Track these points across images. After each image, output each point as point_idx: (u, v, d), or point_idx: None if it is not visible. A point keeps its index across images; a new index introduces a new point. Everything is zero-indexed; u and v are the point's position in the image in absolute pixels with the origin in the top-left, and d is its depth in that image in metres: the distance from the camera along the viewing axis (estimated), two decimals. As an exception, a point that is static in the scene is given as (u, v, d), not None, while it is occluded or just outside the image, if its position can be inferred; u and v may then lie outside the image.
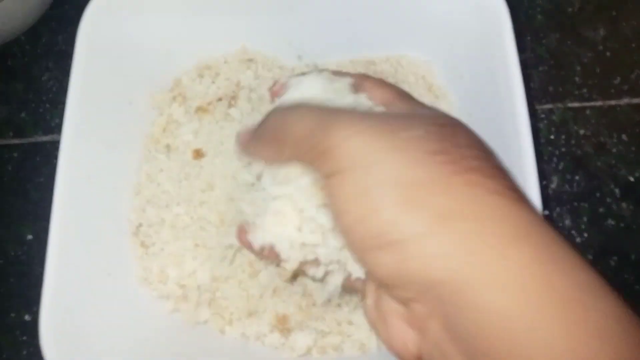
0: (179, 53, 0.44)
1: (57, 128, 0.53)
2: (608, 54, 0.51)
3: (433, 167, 0.22)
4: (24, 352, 0.47)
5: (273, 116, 0.27)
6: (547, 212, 0.47)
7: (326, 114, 0.24)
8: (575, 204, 0.48)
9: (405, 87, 0.42)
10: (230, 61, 0.46)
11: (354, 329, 0.38)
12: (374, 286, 0.26)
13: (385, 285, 0.24)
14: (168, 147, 0.43)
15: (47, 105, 0.54)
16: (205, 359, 0.39)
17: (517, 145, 0.35)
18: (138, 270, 0.40)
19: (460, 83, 0.41)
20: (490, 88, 0.37)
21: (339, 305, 0.39)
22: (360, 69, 0.44)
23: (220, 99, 0.44)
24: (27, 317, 0.48)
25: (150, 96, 0.44)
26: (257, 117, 0.43)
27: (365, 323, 0.38)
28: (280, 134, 0.26)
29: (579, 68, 0.51)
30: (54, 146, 0.52)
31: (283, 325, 0.39)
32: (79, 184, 0.38)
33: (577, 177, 0.48)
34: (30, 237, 0.50)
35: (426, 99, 0.42)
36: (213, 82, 0.45)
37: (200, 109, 0.43)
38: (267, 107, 0.43)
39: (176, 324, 0.40)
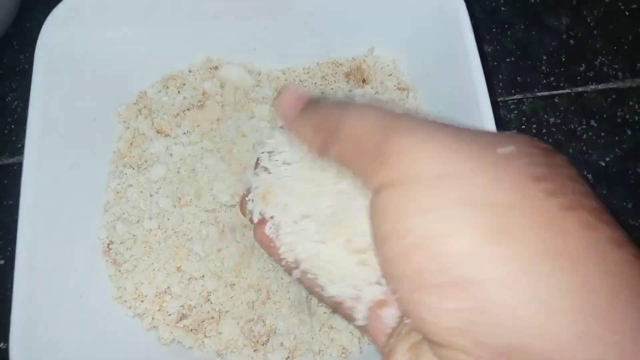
0: (142, 66, 0.43)
1: (24, 149, 0.51)
2: (572, 42, 0.52)
3: (537, 195, 0.17)
4: None
5: (332, 103, 0.22)
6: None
7: (395, 116, 0.20)
8: None
9: (374, 86, 0.43)
10: (194, 70, 0.45)
11: (335, 332, 0.38)
12: (408, 343, 0.20)
13: (436, 343, 0.18)
14: (136, 161, 0.42)
15: (13, 127, 0.53)
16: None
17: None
18: (112, 289, 0.40)
19: (427, 80, 0.42)
20: (455, 83, 0.37)
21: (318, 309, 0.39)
22: (328, 71, 0.44)
23: (187, 109, 0.43)
24: (2, 345, 0.46)
25: (115, 111, 0.43)
26: (229, 127, 0.43)
27: (346, 327, 0.38)
28: (333, 125, 0.21)
29: (545, 57, 0.51)
30: (21, 167, 0.51)
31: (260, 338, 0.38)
32: (45, 206, 0.37)
33: None
34: (1, 262, 0.49)
35: (395, 95, 0.42)
36: (179, 93, 0.45)
37: (160, 131, 0.43)
38: (235, 116, 0.43)
39: (152, 342, 0.39)
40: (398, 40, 0.42)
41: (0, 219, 0.50)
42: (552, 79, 0.51)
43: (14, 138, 0.52)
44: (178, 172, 0.41)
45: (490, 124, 0.34)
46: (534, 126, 0.50)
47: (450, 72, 0.38)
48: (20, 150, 0.52)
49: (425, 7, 0.40)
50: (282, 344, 0.38)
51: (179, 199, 0.40)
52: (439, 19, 0.38)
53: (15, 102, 0.53)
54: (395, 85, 0.43)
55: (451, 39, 0.38)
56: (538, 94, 0.51)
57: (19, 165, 0.51)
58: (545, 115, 0.50)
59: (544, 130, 0.50)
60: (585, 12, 0.52)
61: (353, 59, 0.44)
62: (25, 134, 0.51)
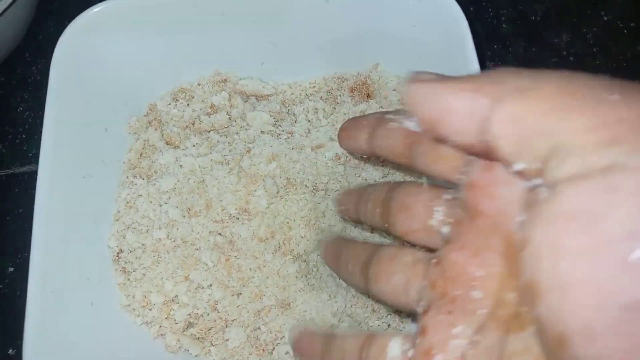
0: (153, 78, 0.45)
1: (35, 159, 0.53)
2: (572, 58, 0.53)
3: None
4: None
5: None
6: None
7: None
8: None
9: (378, 101, 0.44)
10: (203, 84, 0.46)
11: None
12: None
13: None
14: (146, 172, 0.43)
15: (24, 136, 0.54)
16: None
17: None
18: (121, 297, 0.40)
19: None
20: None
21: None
22: (333, 86, 0.45)
23: (193, 124, 0.44)
24: (11, 352, 0.47)
25: (126, 123, 0.44)
26: (237, 140, 0.44)
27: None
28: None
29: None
30: (32, 177, 0.52)
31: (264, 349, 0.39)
32: (57, 215, 0.38)
33: None
34: (11, 269, 0.50)
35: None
36: (188, 105, 0.46)
37: (170, 143, 0.44)
38: (245, 132, 0.44)
39: (159, 350, 0.40)
40: (402, 56, 0.43)
41: (10, 227, 0.51)
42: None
43: (25, 147, 0.54)
44: (187, 183, 0.42)
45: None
46: (534, 140, 0.51)
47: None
48: (30, 160, 0.53)
49: (429, 24, 0.41)
50: (287, 352, 0.38)
51: (188, 209, 0.41)
52: (442, 35, 0.39)
53: (27, 113, 0.55)
54: (399, 100, 0.44)
55: (454, 55, 0.39)
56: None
57: (30, 174, 0.53)
58: None
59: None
60: (585, 30, 0.53)
61: (358, 74, 0.45)
62: (36, 144, 0.52)
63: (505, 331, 0.18)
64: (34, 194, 0.51)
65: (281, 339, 0.39)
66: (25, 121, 0.54)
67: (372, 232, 0.41)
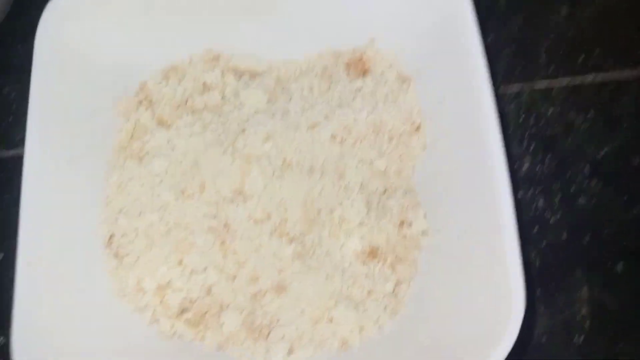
0: (142, 57, 0.43)
1: (21, 142, 0.49)
2: (571, 33, 0.52)
3: None
4: None
5: None
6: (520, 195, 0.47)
7: None
8: (548, 184, 0.48)
9: (374, 77, 0.43)
10: (195, 61, 0.45)
11: (335, 325, 0.38)
12: None
13: None
14: (137, 153, 0.42)
15: (10, 119, 0.52)
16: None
17: (485, 131, 0.35)
18: (113, 283, 0.40)
19: (428, 71, 0.42)
20: (456, 75, 0.38)
21: None
22: (328, 62, 0.44)
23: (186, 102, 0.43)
24: (1, 339, 0.46)
25: (115, 103, 0.43)
26: (231, 120, 0.43)
27: (347, 319, 0.38)
28: None
29: (543, 48, 0.51)
30: (19, 161, 0.49)
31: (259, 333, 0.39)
32: (46, 200, 0.37)
33: (547, 158, 0.48)
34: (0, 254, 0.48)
35: (395, 87, 0.42)
36: (179, 84, 0.45)
37: (161, 123, 0.42)
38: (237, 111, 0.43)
39: (153, 335, 0.39)
40: (399, 30, 0.42)
41: None
42: (550, 70, 0.51)
43: (10, 131, 0.52)
44: (180, 164, 0.41)
45: (492, 116, 0.35)
46: (532, 117, 0.50)
47: (452, 63, 0.38)
48: (17, 144, 0.52)
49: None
50: (283, 336, 0.38)
51: (182, 191, 0.40)
52: (441, 8, 0.38)
53: (12, 95, 0.53)
54: (395, 77, 0.43)
55: (454, 28, 0.38)
56: (536, 85, 0.51)
57: (17, 158, 0.51)
58: (543, 107, 0.50)
59: (542, 122, 0.50)
60: (584, 3, 0.52)
61: (354, 50, 0.44)
62: (23, 128, 0.51)
63: None
64: (21, 179, 0.50)
65: (277, 321, 0.39)
66: (10, 104, 0.53)
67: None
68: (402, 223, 0.39)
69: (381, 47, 0.44)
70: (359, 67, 0.43)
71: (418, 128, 0.41)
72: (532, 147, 0.49)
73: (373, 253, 0.38)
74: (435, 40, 0.40)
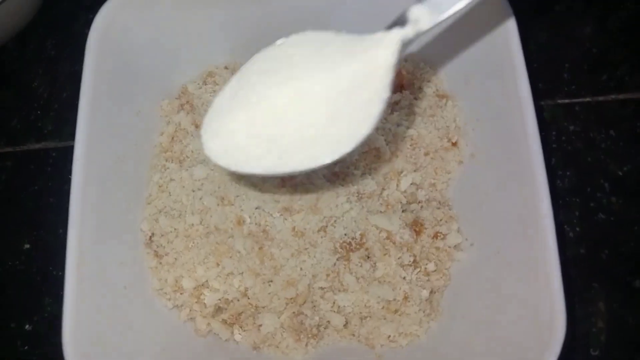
0: (184, 60, 0.44)
1: (50, 135, 0.52)
2: (595, 50, 0.53)
3: None
4: None
5: None
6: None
7: None
8: (567, 199, 0.49)
9: (412, 92, 0.43)
10: (230, 67, 0.46)
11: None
12: None
13: None
14: (178, 156, 0.42)
15: (39, 112, 0.53)
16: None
17: (526, 149, 0.36)
18: (153, 281, 0.40)
19: (466, 87, 0.42)
20: (497, 92, 0.38)
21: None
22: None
23: None
24: (28, 327, 0.47)
25: (157, 105, 0.43)
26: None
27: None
28: None
29: (567, 65, 0.52)
30: (47, 153, 0.52)
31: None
32: (92, 198, 0.38)
33: (568, 173, 0.49)
34: (27, 246, 0.49)
35: (433, 102, 0.43)
36: (214, 91, 0.45)
37: (199, 127, 0.42)
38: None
39: (189, 333, 0.40)
40: (438, 45, 0.43)
41: (26, 204, 0.50)
42: (573, 87, 0.52)
43: (39, 124, 0.53)
44: (222, 173, 0.41)
45: (534, 135, 0.35)
46: (554, 133, 0.51)
47: (493, 79, 0.39)
48: (46, 136, 0.52)
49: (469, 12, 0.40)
50: (329, 335, 0.39)
51: (222, 198, 0.40)
52: (483, 24, 0.39)
53: (41, 88, 0.53)
54: (434, 92, 0.43)
55: (495, 46, 0.39)
56: (559, 101, 0.52)
57: (45, 151, 0.52)
58: (565, 123, 0.51)
59: (564, 138, 0.51)
60: (609, 22, 0.53)
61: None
62: (51, 120, 0.52)
63: None
64: (49, 171, 0.50)
65: (325, 327, 0.39)
66: (40, 97, 0.53)
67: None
68: (436, 235, 0.40)
69: (419, 61, 0.45)
70: (396, 81, 0.43)
71: (455, 144, 0.42)
72: (552, 162, 0.50)
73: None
74: (475, 56, 0.41)
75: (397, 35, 0.28)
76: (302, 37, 0.29)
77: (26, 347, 0.46)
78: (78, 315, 0.35)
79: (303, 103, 0.28)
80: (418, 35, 0.28)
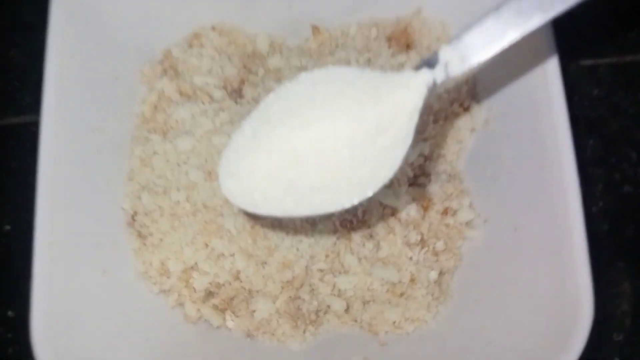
0: (166, 21, 0.40)
1: (29, 108, 0.49)
2: (622, 5, 0.49)
3: None
4: (10, 350, 0.44)
5: None
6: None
7: None
8: (589, 170, 0.46)
9: (420, 52, 0.40)
10: (218, 28, 0.42)
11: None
12: None
13: None
14: (161, 127, 0.39)
15: (17, 84, 0.50)
16: (209, 356, 0.37)
17: (548, 113, 0.33)
18: (136, 264, 0.38)
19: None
20: (516, 47, 0.35)
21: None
22: (368, 34, 0.41)
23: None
24: (10, 314, 0.45)
25: (137, 70, 0.40)
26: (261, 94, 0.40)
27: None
28: None
29: (591, 23, 0.48)
30: (27, 128, 0.49)
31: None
32: (64, 172, 0.35)
33: (590, 142, 0.46)
34: (7, 227, 0.47)
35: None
36: (202, 55, 0.41)
37: (186, 95, 0.40)
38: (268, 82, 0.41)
39: (178, 319, 0.38)
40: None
41: (5, 183, 0.48)
42: (597, 46, 0.48)
43: (18, 97, 0.49)
44: (209, 143, 0.38)
45: (558, 98, 0.33)
46: (575, 97, 0.48)
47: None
48: (25, 110, 0.49)
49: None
50: (328, 320, 0.37)
51: (209, 172, 0.38)
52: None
53: (19, 58, 0.50)
54: (443, 51, 0.40)
55: None
56: (581, 62, 0.48)
57: (24, 125, 0.49)
58: (588, 87, 0.48)
59: (586, 103, 0.47)
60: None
61: (397, 20, 0.41)
62: (31, 92, 0.49)
63: None
64: (30, 147, 0.47)
65: (324, 313, 0.38)
66: (18, 67, 0.50)
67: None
68: (445, 211, 0.37)
69: (428, 17, 0.41)
70: (402, 40, 0.40)
71: (467, 109, 0.39)
72: (573, 130, 0.47)
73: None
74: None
75: (425, 78, 0.27)
76: (324, 74, 0.29)
77: (9, 335, 0.44)
78: (49, 305, 0.32)
79: (325, 147, 0.28)
80: (447, 80, 0.27)
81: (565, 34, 0.48)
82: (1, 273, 0.45)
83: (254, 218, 0.37)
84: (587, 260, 0.30)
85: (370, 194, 0.28)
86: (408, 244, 0.37)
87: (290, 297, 0.37)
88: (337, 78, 0.28)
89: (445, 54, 0.27)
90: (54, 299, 0.33)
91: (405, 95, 0.27)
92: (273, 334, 0.37)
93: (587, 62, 0.48)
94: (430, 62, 0.27)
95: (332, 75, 0.29)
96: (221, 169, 0.30)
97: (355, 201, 0.28)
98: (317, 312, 0.37)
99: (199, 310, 0.38)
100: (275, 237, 0.37)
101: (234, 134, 0.30)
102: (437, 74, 0.27)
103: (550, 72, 0.33)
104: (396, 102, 0.27)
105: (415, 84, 0.27)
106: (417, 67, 0.27)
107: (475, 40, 0.27)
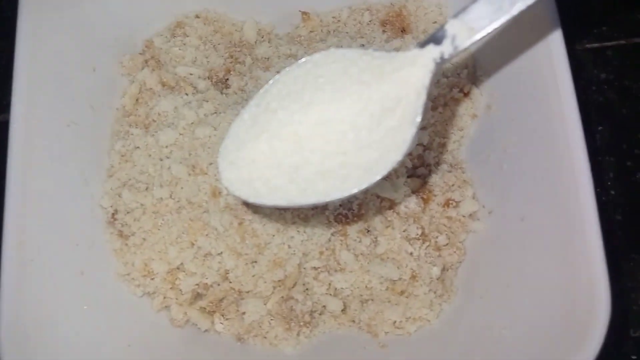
0: (147, 9, 0.39)
1: (10, 107, 0.47)
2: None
3: None
4: None
5: None
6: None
7: None
8: (599, 158, 0.44)
9: (415, 36, 0.38)
10: (202, 16, 0.40)
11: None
12: None
13: None
14: (143, 120, 0.37)
15: (-3, 81, 0.48)
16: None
17: (555, 95, 0.31)
18: (118, 265, 0.36)
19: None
20: (510, 28, 0.33)
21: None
22: (361, 19, 0.39)
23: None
24: None
25: (117, 61, 0.38)
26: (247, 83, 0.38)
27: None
28: None
29: (596, 3, 0.46)
30: (8, 127, 0.46)
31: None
32: (37, 169, 0.33)
33: (600, 128, 0.44)
34: None
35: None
36: (185, 44, 0.40)
37: (168, 87, 0.38)
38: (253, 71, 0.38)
39: (164, 323, 0.36)
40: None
41: None
42: (604, 28, 0.46)
43: None
44: (192, 135, 0.36)
45: (565, 79, 0.31)
46: (582, 82, 0.45)
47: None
48: (5, 108, 0.47)
49: None
50: (324, 322, 0.35)
51: (193, 167, 0.35)
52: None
53: None
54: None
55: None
56: (587, 45, 0.46)
57: (5, 124, 0.46)
58: (595, 70, 0.45)
59: (594, 88, 0.45)
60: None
61: (391, 4, 0.39)
62: (11, 91, 0.46)
63: None
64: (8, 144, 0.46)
65: (320, 313, 0.36)
66: None
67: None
68: (447, 203, 0.35)
69: (424, 1, 0.39)
70: (397, 24, 0.38)
71: (467, 94, 0.37)
72: (581, 116, 0.45)
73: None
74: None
75: (432, 54, 0.26)
76: (326, 56, 0.28)
77: None
78: (18, 310, 0.30)
79: (329, 130, 0.27)
80: (455, 54, 0.26)
81: (569, 16, 0.46)
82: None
83: (242, 214, 0.35)
84: (602, 251, 0.28)
85: (378, 177, 0.26)
86: (408, 239, 0.35)
87: (282, 297, 0.35)
88: (338, 59, 0.27)
89: (453, 27, 0.26)
90: (24, 303, 0.30)
91: (411, 72, 0.26)
92: (265, 337, 0.35)
93: (594, 44, 0.46)
94: (436, 38, 0.26)
95: (333, 57, 0.28)
96: (220, 158, 0.29)
97: (364, 186, 0.27)
98: (311, 313, 0.35)
99: (185, 313, 0.36)
100: (265, 234, 0.35)
101: (233, 122, 0.28)
102: (445, 49, 0.26)
103: (555, 52, 0.31)
104: (402, 81, 0.26)
105: (421, 61, 0.26)
106: (422, 44, 0.26)
107: (483, 10, 0.26)
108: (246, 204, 0.35)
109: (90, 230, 0.35)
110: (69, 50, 0.35)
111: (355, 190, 0.27)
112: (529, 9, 0.27)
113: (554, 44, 0.31)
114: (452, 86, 0.37)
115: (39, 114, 0.33)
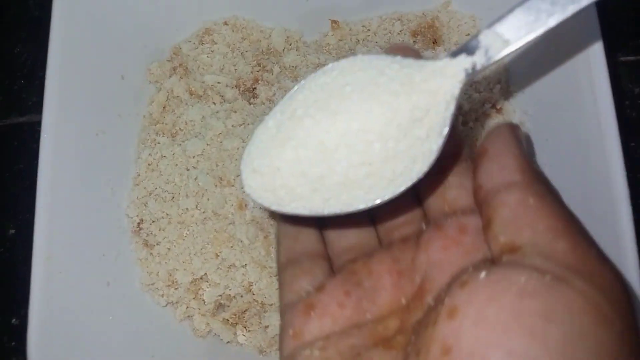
0: (176, 16, 0.38)
1: (35, 107, 0.48)
2: (665, -1, 0.46)
3: None
4: (13, 359, 0.43)
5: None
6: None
7: None
8: (631, 175, 0.42)
9: (447, 48, 0.37)
10: (231, 23, 0.40)
11: None
12: None
13: None
14: (170, 129, 0.37)
15: (22, 82, 0.48)
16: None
17: (594, 114, 0.30)
18: (142, 274, 0.36)
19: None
20: (546, 43, 0.32)
21: None
22: (391, 29, 0.38)
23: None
24: (14, 321, 0.43)
25: (145, 69, 0.38)
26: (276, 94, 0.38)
27: None
28: None
29: (632, 15, 0.45)
30: (33, 128, 0.48)
31: None
32: (66, 177, 0.33)
33: (632, 144, 0.44)
34: (12, 231, 0.45)
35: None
36: (213, 51, 0.39)
37: (196, 95, 0.37)
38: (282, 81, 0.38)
39: (186, 333, 0.36)
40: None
41: (9, 185, 0.46)
42: (639, 41, 0.45)
43: (24, 95, 0.48)
44: (220, 146, 0.36)
45: (605, 96, 0.30)
46: (615, 97, 0.44)
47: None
48: (30, 109, 0.48)
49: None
50: None
51: (220, 178, 0.35)
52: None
53: (25, 55, 0.49)
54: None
55: None
56: (622, 58, 0.45)
57: (30, 124, 0.48)
58: (629, 84, 0.44)
59: (627, 103, 0.44)
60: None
61: (423, 14, 0.38)
62: (36, 91, 0.47)
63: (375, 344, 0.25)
64: (35, 148, 0.45)
65: None
66: (24, 65, 0.49)
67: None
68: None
69: (457, 10, 0.38)
70: (428, 35, 0.37)
71: (500, 110, 0.36)
72: None
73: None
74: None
75: (464, 64, 0.25)
76: (353, 63, 0.27)
77: (13, 344, 0.43)
78: (48, 319, 0.30)
79: (356, 140, 0.26)
80: (487, 65, 0.25)
81: (603, 28, 0.45)
82: (5, 279, 0.44)
83: (268, 227, 0.35)
84: (639, 278, 0.28)
85: (403, 189, 0.26)
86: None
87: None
88: (367, 66, 0.26)
89: (487, 38, 0.25)
90: (53, 312, 0.31)
91: (441, 82, 0.25)
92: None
93: (629, 58, 0.45)
94: (469, 48, 0.25)
95: (361, 64, 0.27)
96: (243, 165, 0.28)
97: (388, 197, 0.26)
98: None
99: (208, 324, 0.36)
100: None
101: (257, 128, 0.28)
102: (477, 60, 0.25)
103: (595, 68, 0.30)
104: (432, 90, 0.25)
105: (452, 71, 0.25)
106: (454, 54, 0.25)
107: (519, 21, 0.25)
108: (272, 216, 0.35)
109: (116, 240, 0.35)
110: (98, 59, 0.35)
111: (378, 202, 0.26)
112: (567, 20, 0.27)
113: (594, 59, 0.30)
114: (484, 101, 0.36)
115: (69, 125, 0.33)
